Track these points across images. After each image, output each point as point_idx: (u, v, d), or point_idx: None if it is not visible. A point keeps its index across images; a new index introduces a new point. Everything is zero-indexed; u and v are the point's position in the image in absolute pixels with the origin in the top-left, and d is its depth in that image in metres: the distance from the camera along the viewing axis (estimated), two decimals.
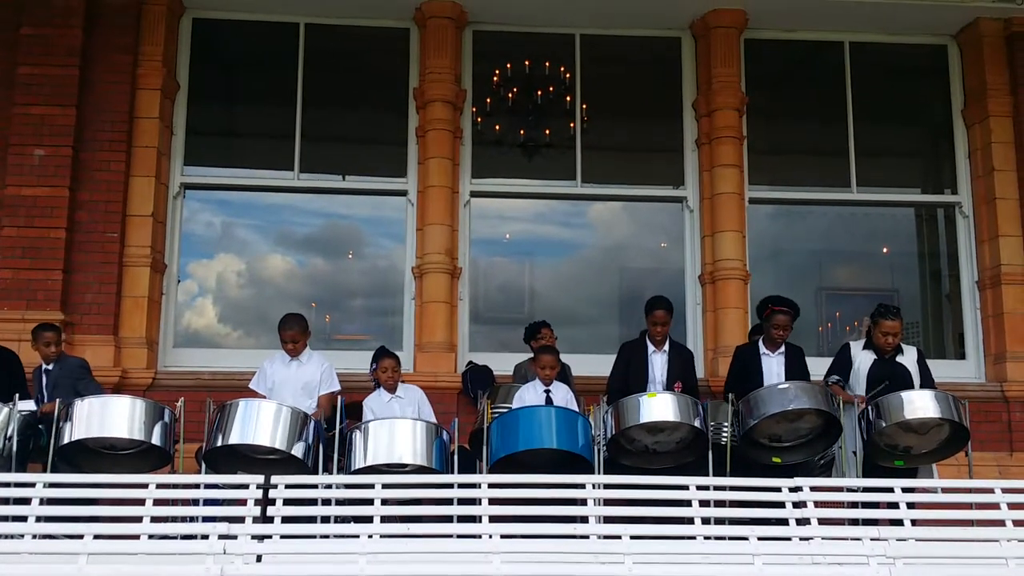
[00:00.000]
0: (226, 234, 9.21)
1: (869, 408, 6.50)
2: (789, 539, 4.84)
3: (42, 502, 4.89)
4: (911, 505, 5.25)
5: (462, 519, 5.11)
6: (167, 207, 8.63)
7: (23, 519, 4.76)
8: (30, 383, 6.88)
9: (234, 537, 4.43)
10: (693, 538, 4.80)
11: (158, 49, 8.57)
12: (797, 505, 4.99)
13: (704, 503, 5.07)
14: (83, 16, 8.32)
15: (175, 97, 8.81)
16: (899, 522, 5.02)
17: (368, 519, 4.81)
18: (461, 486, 5.37)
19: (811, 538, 4.79)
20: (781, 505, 5.04)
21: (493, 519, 4.87)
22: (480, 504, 4.99)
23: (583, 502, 5.10)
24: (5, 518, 4.97)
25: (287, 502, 4.85)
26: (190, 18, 8.99)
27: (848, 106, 9.30)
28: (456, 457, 6.33)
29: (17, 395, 6.18)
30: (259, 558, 4.41)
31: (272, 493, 4.84)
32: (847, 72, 9.37)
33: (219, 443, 6.07)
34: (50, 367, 6.77)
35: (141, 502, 4.85)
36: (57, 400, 6.21)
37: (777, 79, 9.47)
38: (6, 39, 8.33)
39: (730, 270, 8.65)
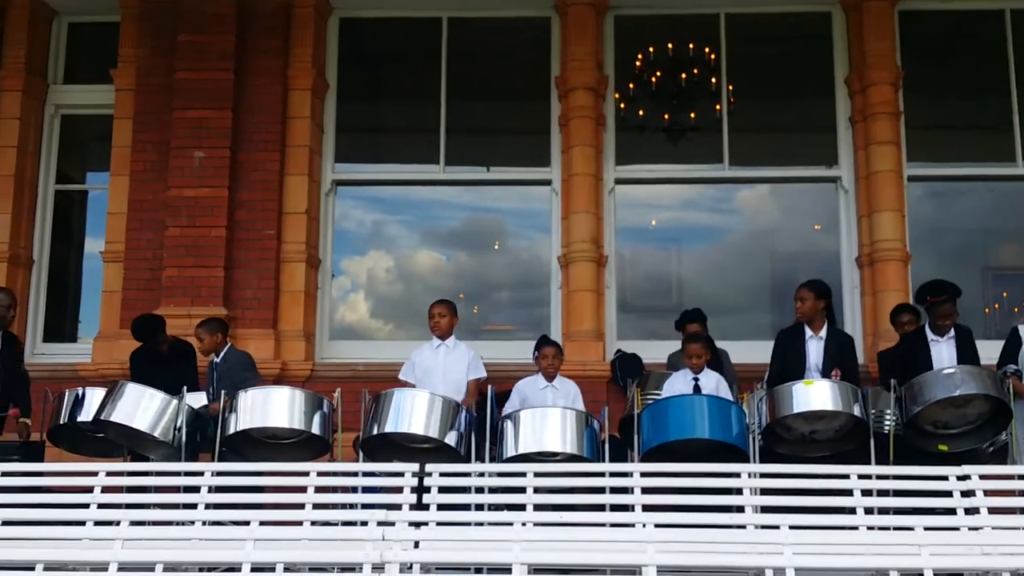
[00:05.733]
0: (376, 231, 9.41)
1: None
2: (957, 529, 4.66)
3: (210, 490, 5.09)
4: None
5: (614, 508, 5.09)
6: (319, 204, 8.86)
7: (193, 506, 4.97)
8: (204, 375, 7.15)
9: (392, 524, 4.51)
10: (856, 528, 4.67)
11: (307, 50, 8.80)
12: (966, 494, 4.81)
13: (866, 492, 4.92)
14: (235, 22, 8.62)
15: (324, 96, 9.03)
16: None
17: (521, 507, 4.84)
18: (613, 475, 5.36)
19: (981, 528, 4.61)
20: (949, 494, 4.86)
21: (646, 508, 4.84)
22: (633, 493, 4.96)
23: (739, 491, 5.01)
24: (176, 505, 5.20)
25: (442, 490, 4.92)
26: (337, 18, 9.20)
27: (1011, 77, 8.84)
28: (607, 446, 6.30)
29: (185, 388, 6.40)
30: (416, 544, 4.48)
31: (427, 481, 4.92)
32: (1008, 41, 8.90)
33: (375, 432, 6.19)
34: (218, 360, 6.98)
35: (303, 489, 5.01)
36: (223, 394, 6.45)
37: (934, 51, 9.07)
38: (165, 46, 8.69)
39: (889, 251, 8.33)
